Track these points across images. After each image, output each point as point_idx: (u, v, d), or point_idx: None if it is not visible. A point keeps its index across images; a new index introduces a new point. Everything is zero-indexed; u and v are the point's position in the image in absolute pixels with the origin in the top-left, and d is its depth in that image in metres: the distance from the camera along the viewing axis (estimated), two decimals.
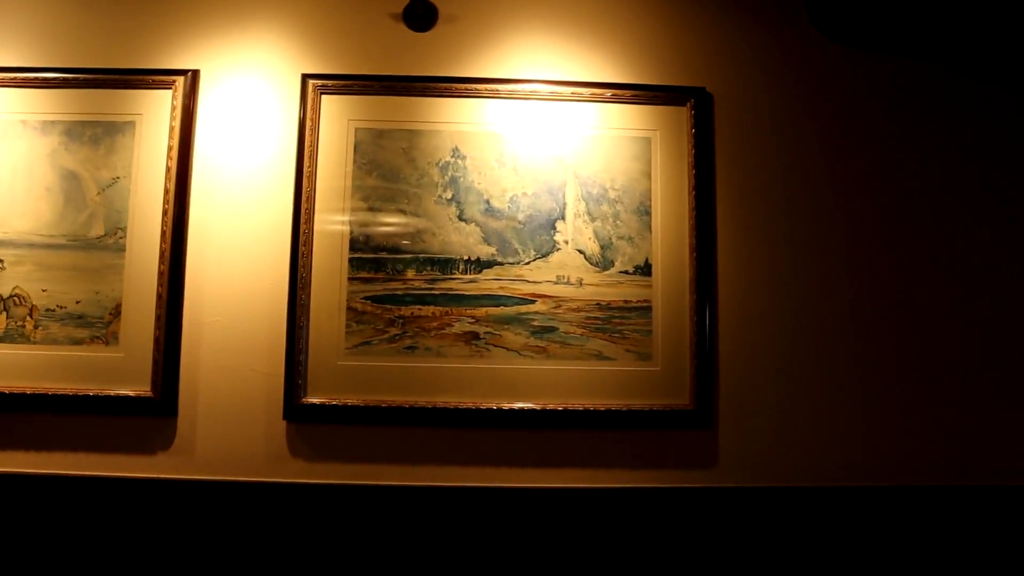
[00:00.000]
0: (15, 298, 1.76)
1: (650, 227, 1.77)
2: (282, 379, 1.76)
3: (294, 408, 1.70)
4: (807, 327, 1.76)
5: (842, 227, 1.79)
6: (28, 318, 1.77)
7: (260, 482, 1.72)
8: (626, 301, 1.74)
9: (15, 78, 1.84)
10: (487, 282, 1.73)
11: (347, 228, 1.75)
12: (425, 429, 1.72)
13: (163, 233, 1.77)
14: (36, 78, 1.84)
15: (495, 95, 1.78)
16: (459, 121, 1.78)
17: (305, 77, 1.81)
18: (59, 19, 1.90)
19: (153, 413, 1.76)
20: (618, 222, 1.76)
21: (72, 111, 1.84)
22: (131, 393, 1.76)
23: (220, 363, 1.78)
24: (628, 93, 1.80)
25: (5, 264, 1.77)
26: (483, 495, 1.70)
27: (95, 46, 1.89)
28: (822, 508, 1.70)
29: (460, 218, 1.75)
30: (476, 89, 1.78)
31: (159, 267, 1.77)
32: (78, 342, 1.76)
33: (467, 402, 1.70)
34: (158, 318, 1.75)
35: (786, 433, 1.73)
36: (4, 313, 1.76)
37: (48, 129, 1.81)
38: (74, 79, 1.84)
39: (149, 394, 1.75)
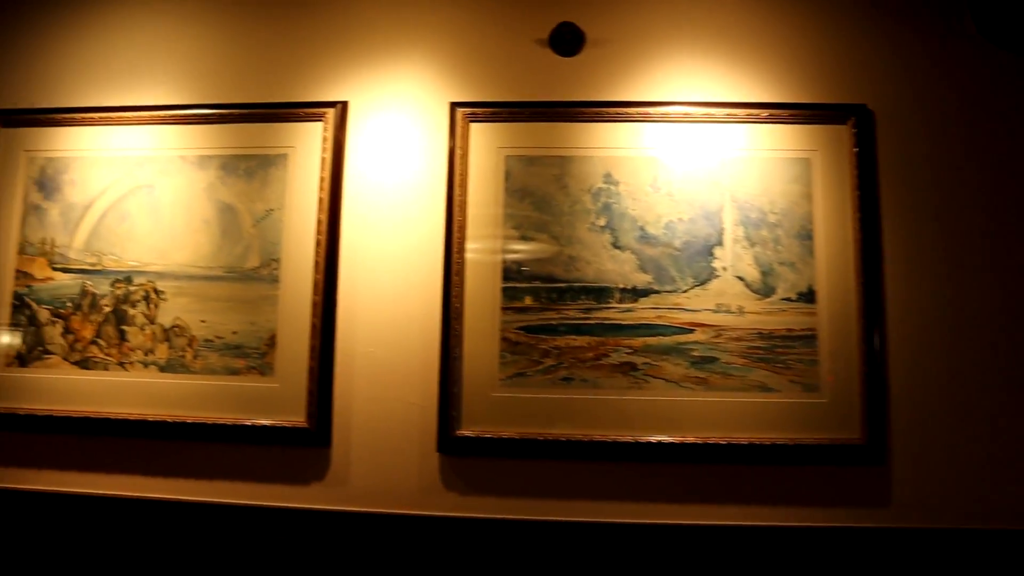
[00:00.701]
0: (176, 328, 1.81)
1: (812, 252, 1.71)
2: (436, 411, 1.77)
3: (448, 440, 1.72)
4: (984, 357, 1.66)
5: (1021, 252, 1.69)
6: (188, 348, 1.83)
7: (414, 515, 1.75)
8: (789, 330, 1.68)
9: (174, 115, 1.91)
10: (644, 311, 1.70)
11: (499, 257, 1.74)
12: (582, 463, 1.69)
13: (316, 264, 1.80)
14: (193, 115, 1.92)
15: (647, 118, 1.76)
16: (611, 146, 1.76)
17: (453, 105, 1.83)
18: (212, 57, 1.98)
19: (308, 444, 1.79)
20: (778, 247, 1.71)
21: (227, 146, 1.90)
22: (286, 423, 1.79)
23: (373, 394, 1.81)
24: (785, 113, 1.74)
25: (166, 295, 1.84)
26: (642, 532, 1.69)
27: (248, 82, 1.95)
28: (1006, 553, 1.59)
29: (614, 245, 1.72)
30: (627, 113, 1.76)
31: (313, 297, 1.79)
32: (235, 372, 1.81)
33: (625, 435, 1.66)
34: (312, 348, 1.77)
35: (965, 470, 1.63)
36: (166, 343, 1.81)
37: (205, 164, 1.87)
38: (229, 114, 1.91)
39: (304, 424, 1.78)
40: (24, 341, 1.89)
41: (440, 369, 1.77)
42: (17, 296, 1.91)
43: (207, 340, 1.84)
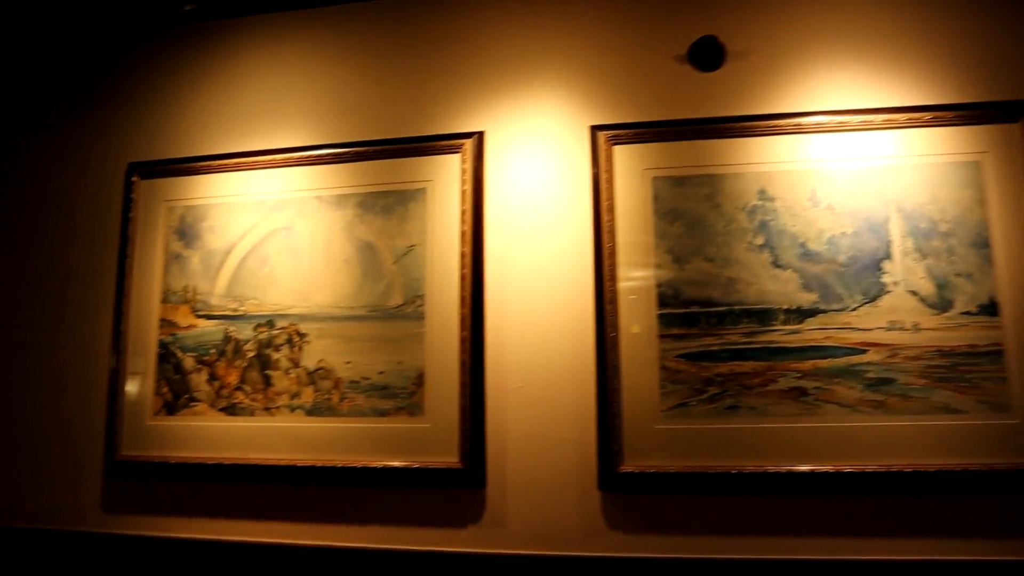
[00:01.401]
0: (321, 371, 2.07)
1: (991, 260, 1.85)
2: (594, 446, 1.94)
3: (610, 477, 1.89)
4: None
5: None
6: (334, 391, 2.07)
7: (578, 556, 1.91)
8: (972, 345, 1.83)
9: (309, 156, 2.19)
10: (811, 332, 1.87)
11: (653, 283, 1.94)
12: (754, 497, 1.84)
13: (462, 299, 2.02)
14: (328, 154, 2.19)
15: (800, 130, 1.95)
16: (764, 161, 1.96)
17: (594, 129, 2.04)
18: (346, 96, 2.27)
19: (462, 485, 1.97)
20: (953, 258, 1.86)
21: (364, 183, 2.16)
22: (439, 464, 1.98)
23: (527, 431, 1.98)
24: (950, 114, 1.91)
25: (310, 338, 2.10)
26: (821, 569, 1.79)
27: (382, 118, 2.21)
28: None
29: (775, 264, 1.91)
30: (779, 126, 1.96)
31: (460, 333, 2.01)
32: (383, 413, 2.03)
33: (799, 465, 1.82)
34: (463, 386, 1.98)
35: None
36: (311, 386, 2.07)
37: (342, 203, 2.14)
38: (364, 151, 2.16)
39: (458, 465, 1.97)
40: (171, 389, 2.18)
41: (597, 402, 1.94)
42: (162, 345, 2.21)
43: (353, 382, 2.07)
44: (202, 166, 2.25)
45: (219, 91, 2.35)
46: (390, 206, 2.08)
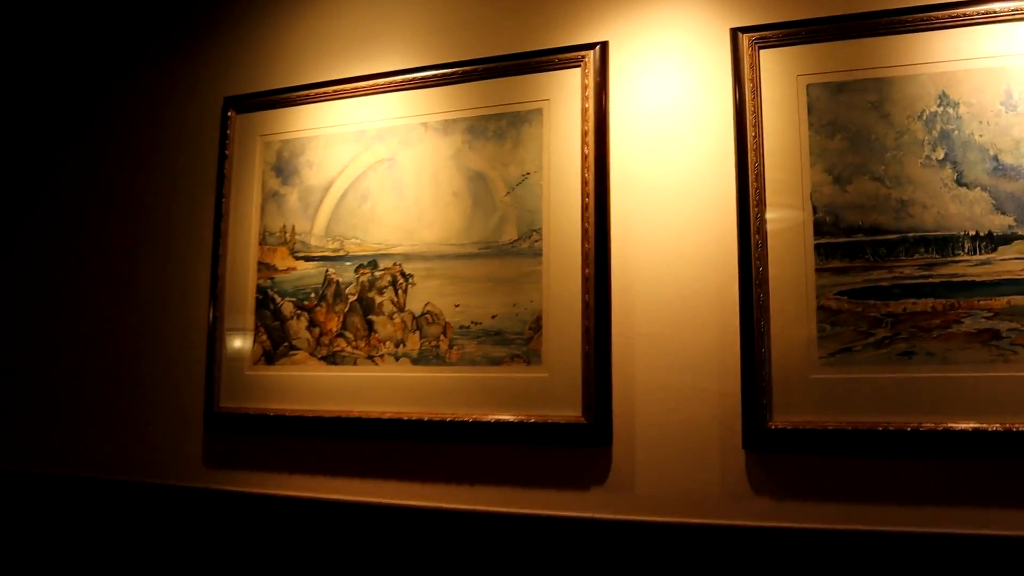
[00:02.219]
0: (427, 315, 2.20)
1: None
2: (738, 399, 1.94)
3: (757, 434, 1.91)
4: None
5: None
6: (442, 337, 2.18)
7: (716, 525, 1.92)
8: None
9: (412, 80, 2.30)
10: (1005, 263, 1.82)
11: (808, 208, 1.94)
12: (931, 459, 1.82)
13: (584, 231, 2.07)
14: (432, 76, 2.28)
15: (991, 18, 1.89)
16: (944, 59, 1.91)
17: (736, 32, 2.05)
18: (450, 12, 2.36)
19: (585, 443, 2.03)
20: None
21: (473, 106, 2.23)
22: (559, 419, 2.04)
23: (658, 381, 2.03)
24: None
25: (415, 279, 2.22)
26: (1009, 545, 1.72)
27: (490, 33, 2.29)
28: None
29: (958, 182, 1.87)
30: (964, 15, 1.90)
31: (583, 271, 2.07)
32: (497, 362, 2.13)
33: (991, 423, 1.78)
34: (585, 331, 2.04)
35: None
36: (417, 332, 2.21)
37: (450, 129, 2.25)
38: (472, 71, 2.24)
39: (580, 419, 2.02)
40: (270, 337, 2.38)
41: (742, 348, 1.94)
42: (260, 290, 2.40)
43: (463, 327, 2.17)
44: (298, 96, 2.40)
45: (316, 14, 2.51)
46: (502, 130, 2.12)
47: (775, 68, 2.02)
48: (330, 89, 2.30)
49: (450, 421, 2.11)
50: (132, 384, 2.45)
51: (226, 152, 2.36)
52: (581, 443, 2.04)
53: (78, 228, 2.60)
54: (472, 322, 2.12)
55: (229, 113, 2.37)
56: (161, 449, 2.34)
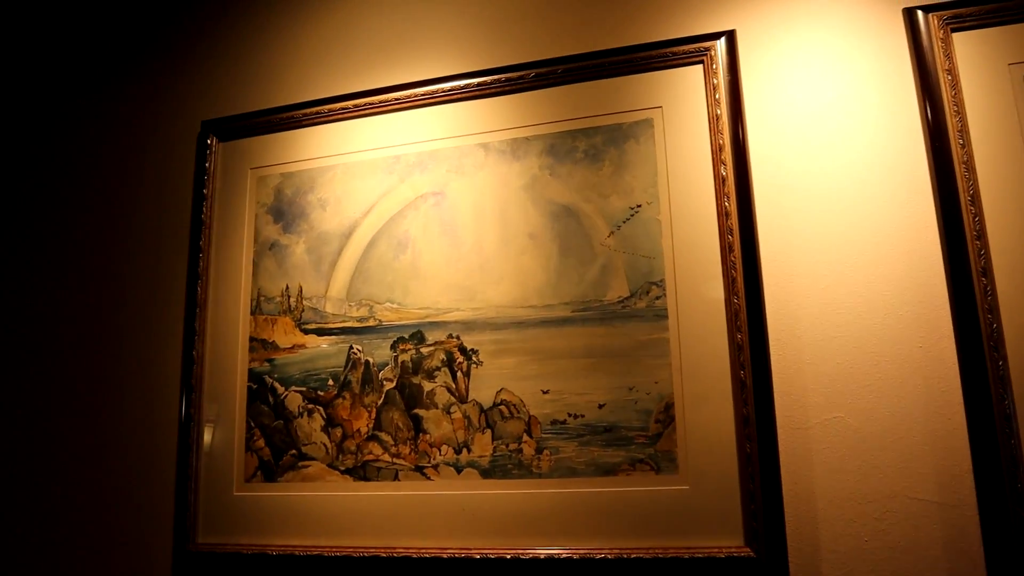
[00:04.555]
0: (502, 407, 1.55)
1: None
2: (974, 512, 1.37)
3: (1008, 561, 1.30)
4: None
5: None
6: (526, 437, 1.56)
7: None
8: None
9: (464, 87, 1.73)
10: None
11: None
12: None
13: (729, 282, 1.50)
14: (493, 81, 1.72)
15: None
16: None
17: (911, 11, 1.54)
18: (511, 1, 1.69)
19: None
20: None
21: (554, 119, 1.67)
22: (712, 551, 1.44)
23: (847, 491, 1.46)
24: None
25: (481, 355, 1.58)
26: None
27: (577, 24, 1.74)
28: None
29: None
30: None
31: (732, 336, 1.49)
32: (610, 471, 1.51)
33: None
34: (742, 421, 1.45)
35: None
36: (488, 431, 1.53)
37: (521, 150, 1.66)
38: (550, 73, 1.68)
39: (744, 551, 1.42)
40: (269, 442, 1.66)
41: (971, 439, 1.38)
42: (254, 376, 1.71)
43: (556, 422, 1.54)
44: (304, 115, 1.80)
45: (329, 12, 1.93)
46: (597, 149, 1.61)
47: (974, 54, 1.52)
48: (350, 104, 1.78)
49: (545, 559, 1.48)
50: (78, 508, 1.80)
51: (204, 191, 1.83)
52: None
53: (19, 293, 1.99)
54: (569, 414, 1.54)
55: (209, 140, 1.85)
56: None
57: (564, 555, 1.49)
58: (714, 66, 1.59)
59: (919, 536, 1.41)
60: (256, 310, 1.73)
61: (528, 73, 1.69)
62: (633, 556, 1.47)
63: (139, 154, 1.94)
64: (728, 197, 1.51)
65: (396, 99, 1.74)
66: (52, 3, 2.10)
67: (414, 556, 1.56)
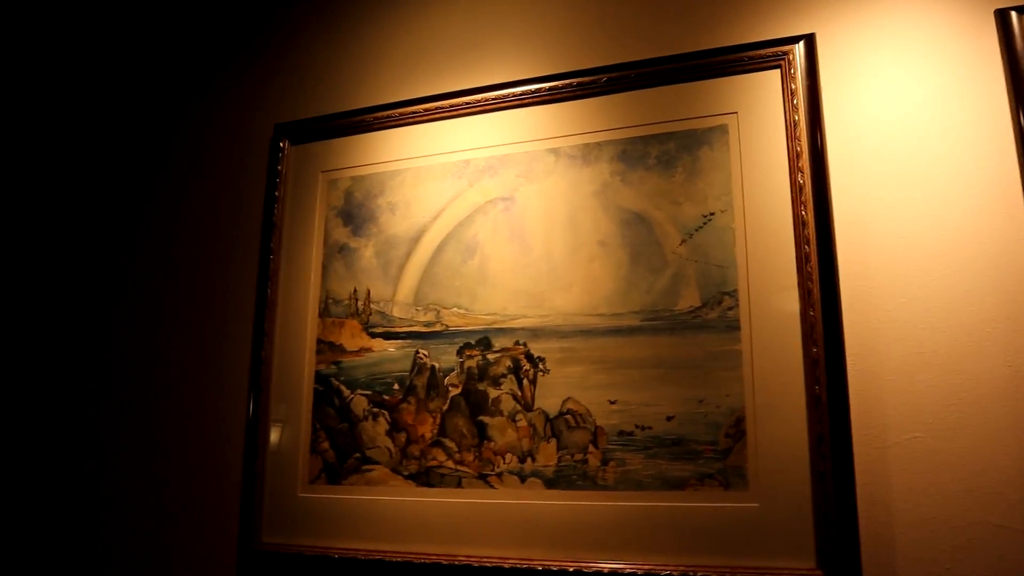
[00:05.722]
0: (568, 417, 1.52)
1: None
2: None
3: None
4: None
5: None
6: (591, 448, 1.53)
7: None
8: None
9: (535, 91, 1.71)
10: None
11: None
12: None
13: (806, 293, 1.44)
14: (565, 86, 1.70)
15: None
16: None
17: (1002, 12, 1.46)
18: (584, 6, 1.78)
19: None
20: None
21: (626, 124, 1.64)
22: (783, 571, 1.39)
23: (927, 515, 1.38)
24: None
25: (548, 363, 1.55)
26: None
27: (649, 28, 1.71)
28: None
29: None
30: None
31: (807, 350, 1.43)
32: (678, 485, 1.46)
33: None
34: (816, 439, 1.40)
35: None
36: (553, 441, 1.50)
37: (592, 155, 1.63)
38: (622, 78, 1.65)
39: (816, 573, 1.36)
40: (334, 445, 1.64)
41: None
42: (321, 378, 1.71)
43: (623, 433, 1.50)
44: (375, 119, 1.80)
45: (401, 18, 1.94)
46: (670, 155, 1.58)
47: None
48: (420, 108, 1.77)
49: (608, 573, 1.44)
50: (145, 508, 1.84)
51: (276, 193, 1.84)
52: None
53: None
54: (637, 426, 1.50)
55: (281, 143, 1.87)
56: None
57: (628, 570, 1.44)
58: (792, 71, 1.52)
59: (1004, 567, 1.32)
60: (324, 312, 1.73)
61: (600, 78, 1.65)
62: (699, 574, 1.43)
63: (213, 156, 1.97)
64: (805, 206, 1.44)
65: (466, 103, 1.71)
66: (137, 11, 2.13)
67: (475, 564, 1.53)
